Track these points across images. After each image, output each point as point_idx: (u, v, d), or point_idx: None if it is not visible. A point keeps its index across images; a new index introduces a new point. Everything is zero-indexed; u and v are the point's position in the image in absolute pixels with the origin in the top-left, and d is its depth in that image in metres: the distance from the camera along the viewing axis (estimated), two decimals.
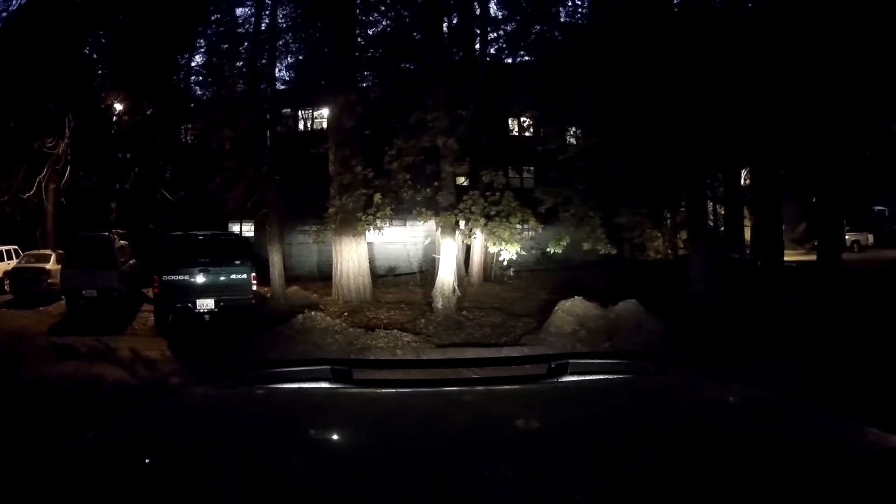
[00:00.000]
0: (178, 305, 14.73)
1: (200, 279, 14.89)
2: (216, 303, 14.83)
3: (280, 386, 2.00)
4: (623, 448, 1.40)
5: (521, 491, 1.19)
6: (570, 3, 20.99)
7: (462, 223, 15.83)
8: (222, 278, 15.05)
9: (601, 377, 2.02)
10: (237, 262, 15.31)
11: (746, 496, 1.13)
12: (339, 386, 1.90)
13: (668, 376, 2.04)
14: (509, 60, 19.73)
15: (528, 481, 1.23)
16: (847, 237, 35.46)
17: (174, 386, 9.96)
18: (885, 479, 1.19)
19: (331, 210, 16.75)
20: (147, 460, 1.40)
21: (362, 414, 1.74)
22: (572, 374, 1.93)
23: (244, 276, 15.22)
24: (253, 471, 1.27)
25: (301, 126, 27.52)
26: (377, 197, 15.00)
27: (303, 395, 1.91)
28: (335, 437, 1.63)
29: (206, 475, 1.29)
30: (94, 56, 26.86)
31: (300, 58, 20.28)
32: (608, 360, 2.37)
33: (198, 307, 14.75)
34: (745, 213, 31.84)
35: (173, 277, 14.75)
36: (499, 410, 1.76)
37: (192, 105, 27.16)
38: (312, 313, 14.48)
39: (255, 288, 15.51)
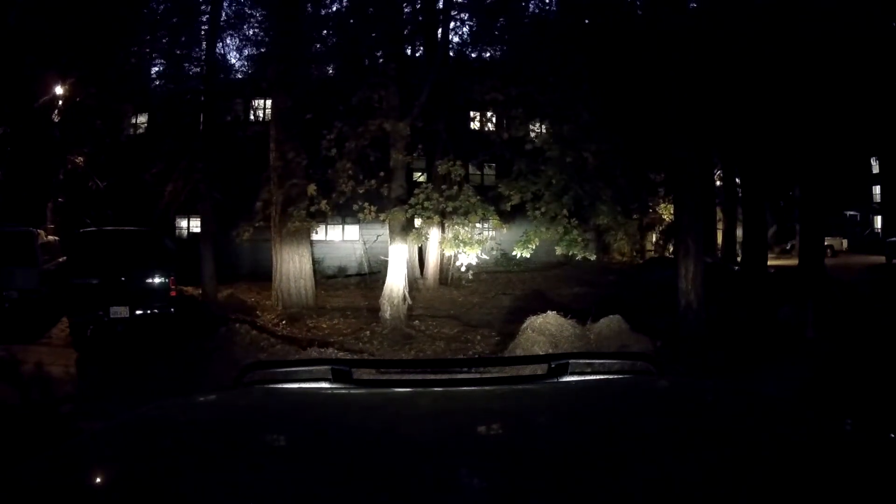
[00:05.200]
0: (88, 314, 12.88)
1: (110, 283, 12.91)
2: (130, 311, 12.95)
3: (279, 386, 1.98)
4: (622, 448, 1.39)
5: (520, 490, 1.17)
6: None
7: (417, 221, 13.96)
8: (135, 282, 13.14)
9: (601, 377, 2.04)
10: (153, 263, 13.41)
11: (745, 496, 1.11)
12: (338, 386, 1.89)
13: (667, 377, 2.04)
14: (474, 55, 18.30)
15: (527, 480, 1.20)
16: None
17: (63, 415, 9.02)
18: (884, 478, 1.17)
19: (258, 203, 14.63)
20: (147, 460, 1.39)
21: (362, 414, 1.72)
22: (572, 374, 1.91)
23: (161, 279, 13.33)
24: (253, 471, 1.27)
25: (252, 117, 25.58)
26: (310, 188, 12.91)
27: (302, 395, 1.90)
28: (335, 437, 1.55)
29: (205, 475, 1.27)
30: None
31: (236, 31, 18.29)
32: (608, 361, 2.43)
33: (110, 315, 12.87)
34: (718, 214, 31.04)
35: (80, 281, 12.84)
36: (499, 410, 1.75)
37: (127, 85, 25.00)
38: (237, 325, 12.56)
39: (174, 294, 13.53)
